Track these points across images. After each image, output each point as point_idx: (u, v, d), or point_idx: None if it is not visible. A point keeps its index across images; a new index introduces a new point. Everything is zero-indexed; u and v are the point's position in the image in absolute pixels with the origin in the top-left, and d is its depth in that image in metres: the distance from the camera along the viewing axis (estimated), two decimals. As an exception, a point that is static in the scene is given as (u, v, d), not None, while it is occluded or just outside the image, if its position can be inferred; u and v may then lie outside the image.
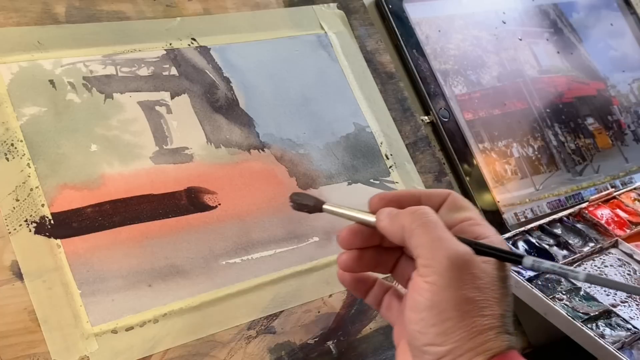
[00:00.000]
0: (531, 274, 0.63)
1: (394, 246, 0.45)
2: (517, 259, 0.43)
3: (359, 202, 0.62)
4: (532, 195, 0.75)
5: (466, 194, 0.70)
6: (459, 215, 0.46)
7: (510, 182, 0.74)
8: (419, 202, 0.46)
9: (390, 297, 0.47)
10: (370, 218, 0.45)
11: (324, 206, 0.47)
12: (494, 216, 0.70)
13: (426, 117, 0.72)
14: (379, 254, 0.46)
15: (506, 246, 0.44)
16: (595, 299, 0.63)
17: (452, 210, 0.46)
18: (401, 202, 0.46)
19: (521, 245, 0.67)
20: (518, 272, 0.63)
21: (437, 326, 0.40)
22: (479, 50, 0.81)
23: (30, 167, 0.50)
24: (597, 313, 0.61)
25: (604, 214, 0.74)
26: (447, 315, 0.40)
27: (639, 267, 0.69)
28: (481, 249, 0.43)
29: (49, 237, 0.49)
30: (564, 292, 0.63)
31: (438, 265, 0.40)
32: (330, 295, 0.57)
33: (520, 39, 0.85)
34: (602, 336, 0.58)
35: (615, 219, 0.73)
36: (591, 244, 0.69)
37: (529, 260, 0.42)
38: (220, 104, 0.60)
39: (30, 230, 0.48)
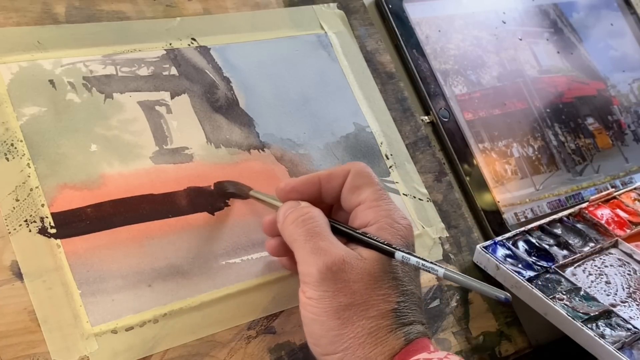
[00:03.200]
0: (531, 274, 0.63)
1: None
2: (389, 253, 0.44)
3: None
4: (532, 195, 0.75)
5: (466, 194, 0.70)
6: (356, 199, 0.47)
7: (510, 182, 0.74)
8: (319, 187, 0.48)
9: None
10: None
11: (251, 192, 0.53)
12: (494, 216, 0.70)
13: (426, 117, 0.72)
14: None
15: (390, 232, 0.44)
16: (595, 299, 0.63)
17: (351, 192, 0.47)
18: (302, 190, 0.48)
19: (521, 245, 0.67)
20: (518, 272, 0.63)
21: (324, 337, 0.42)
22: (479, 50, 0.81)
23: (30, 167, 0.50)
24: (597, 313, 0.61)
25: (604, 214, 0.74)
26: (329, 326, 0.41)
27: (639, 267, 0.69)
28: (358, 239, 0.45)
29: (49, 237, 0.49)
30: (564, 292, 0.63)
31: (311, 280, 0.42)
32: (330, 295, 0.57)
33: (520, 39, 0.85)
34: (602, 336, 0.58)
35: (615, 219, 0.73)
36: (591, 244, 0.69)
37: (399, 255, 0.43)
38: (220, 104, 0.60)
39: (30, 230, 0.48)
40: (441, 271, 0.42)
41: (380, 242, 0.44)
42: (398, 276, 0.43)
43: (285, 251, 0.49)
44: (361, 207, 0.46)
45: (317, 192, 0.49)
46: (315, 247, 0.43)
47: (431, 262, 0.43)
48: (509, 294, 0.41)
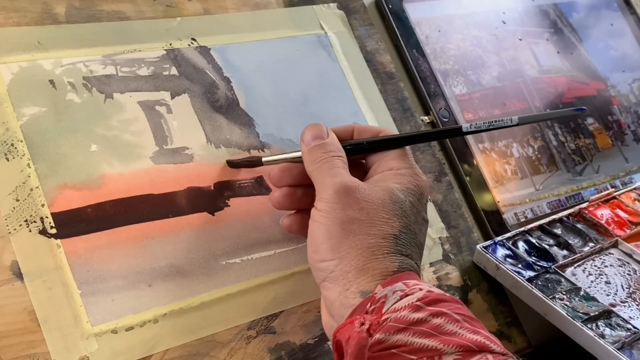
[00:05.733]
0: (531, 274, 0.63)
1: None
2: (458, 129, 0.50)
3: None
4: (532, 195, 0.75)
5: (466, 194, 0.70)
6: (382, 153, 0.51)
7: (510, 182, 0.74)
8: (351, 136, 0.52)
9: None
10: (298, 155, 0.51)
11: (263, 159, 0.54)
12: (494, 216, 0.70)
13: (426, 117, 0.72)
14: (309, 192, 0.50)
15: (408, 180, 0.49)
16: (595, 299, 0.63)
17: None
18: (337, 135, 0.51)
19: (521, 245, 0.67)
20: (518, 272, 0.63)
21: (325, 243, 0.45)
22: (479, 50, 0.81)
23: (30, 167, 0.50)
24: (597, 313, 0.61)
25: (604, 214, 0.74)
26: (333, 234, 0.44)
27: (639, 267, 0.69)
28: (409, 138, 0.52)
29: (49, 237, 0.49)
30: (564, 292, 0.63)
31: (325, 195, 0.46)
32: (330, 295, 0.57)
33: (520, 39, 0.85)
34: (602, 336, 0.59)
35: (615, 219, 0.73)
36: (591, 244, 0.69)
37: (465, 126, 0.49)
38: (221, 104, 0.60)
39: (30, 230, 0.48)
40: (515, 119, 0.48)
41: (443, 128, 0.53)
42: (405, 211, 0.47)
43: (290, 202, 0.52)
44: (386, 158, 0.50)
45: (348, 139, 0.53)
46: (336, 172, 0.47)
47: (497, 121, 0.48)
48: (583, 107, 0.47)
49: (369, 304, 0.42)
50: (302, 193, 0.52)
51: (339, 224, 0.44)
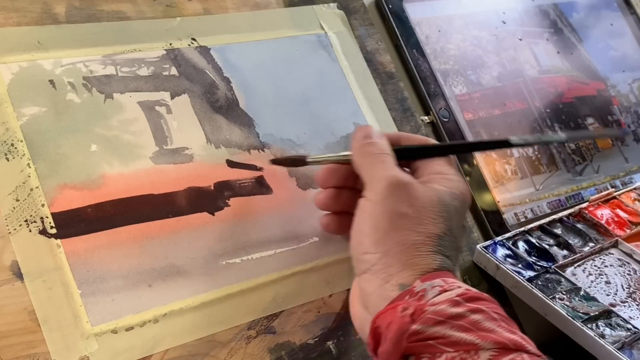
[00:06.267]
0: (531, 274, 0.63)
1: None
2: (505, 141, 0.50)
3: (359, 202, 0.62)
4: (532, 195, 0.75)
5: (479, 150, 0.71)
6: (427, 162, 0.51)
7: (510, 182, 0.74)
8: (399, 143, 0.51)
9: None
10: (344, 157, 0.50)
11: (308, 159, 0.53)
12: (494, 216, 0.70)
13: (426, 117, 0.72)
14: (354, 195, 0.50)
15: (450, 186, 0.49)
16: (595, 299, 0.63)
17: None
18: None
19: (521, 245, 0.67)
20: (518, 272, 0.63)
21: (371, 235, 0.44)
22: (479, 50, 0.81)
23: (30, 167, 0.50)
24: (597, 313, 0.61)
25: (604, 214, 0.74)
26: (380, 226, 0.44)
27: (639, 267, 0.69)
28: (464, 146, 0.54)
29: (49, 237, 0.49)
30: (564, 292, 0.63)
31: (377, 185, 0.45)
32: (330, 295, 0.57)
33: (520, 39, 0.85)
34: (602, 336, 0.59)
35: (615, 219, 0.73)
36: (591, 244, 0.69)
37: (514, 139, 0.50)
38: (221, 104, 0.60)
39: (30, 230, 0.48)
40: (563, 136, 0.48)
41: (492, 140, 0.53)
42: (450, 214, 0.47)
43: (335, 204, 0.52)
44: (432, 163, 0.50)
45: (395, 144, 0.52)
46: (388, 166, 0.47)
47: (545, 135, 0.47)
48: (626, 128, 0.48)
49: (407, 297, 0.42)
50: (347, 195, 0.52)
51: (388, 218, 0.44)
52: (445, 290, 0.42)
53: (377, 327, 0.42)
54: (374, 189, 0.46)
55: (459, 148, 0.54)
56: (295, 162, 0.56)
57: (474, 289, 0.44)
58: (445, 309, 0.41)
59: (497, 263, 0.63)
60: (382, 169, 0.47)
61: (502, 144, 0.54)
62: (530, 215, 0.73)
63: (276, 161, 0.57)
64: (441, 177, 0.49)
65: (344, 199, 0.52)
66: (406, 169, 0.52)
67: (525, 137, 0.49)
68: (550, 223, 0.71)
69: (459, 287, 0.43)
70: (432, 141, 0.53)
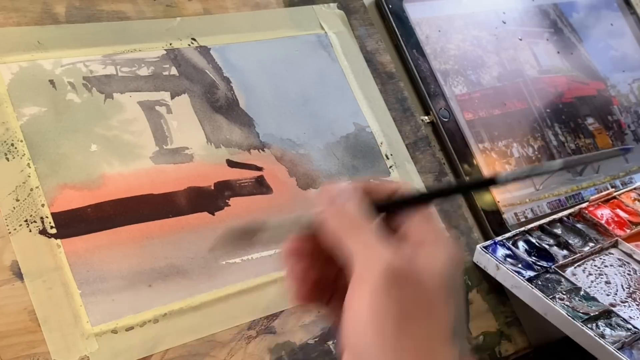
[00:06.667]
0: (531, 274, 0.63)
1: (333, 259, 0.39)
2: (491, 180, 0.39)
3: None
4: (532, 195, 0.75)
5: (466, 194, 0.70)
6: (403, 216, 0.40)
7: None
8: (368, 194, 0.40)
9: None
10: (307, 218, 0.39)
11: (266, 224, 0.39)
12: (494, 216, 0.70)
13: (426, 117, 0.72)
14: (322, 268, 0.40)
15: (441, 249, 0.39)
16: (595, 299, 0.63)
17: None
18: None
19: (521, 245, 0.67)
20: (518, 272, 0.63)
21: (376, 346, 0.36)
22: (479, 50, 0.81)
23: (30, 167, 0.50)
24: (597, 313, 0.61)
25: (604, 214, 0.74)
26: (387, 320, 0.36)
27: (639, 267, 0.69)
28: (440, 191, 0.41)
29: (49, 237, 0.49)
30: (564, 292, 0.63)
31: (372, 271, 0.36)
32: (330, 295, 0.57)
33: (520, 39, 0.85)
34: (602, 336, 0.58)
35: (615, 219, 0.73)
36: (591, 244, 0.69)
37: (502, 175, 0.39)
38: (221, 104, 0.60)
39: (30, 230, 0.48)
40: (558, 162, 0.39)
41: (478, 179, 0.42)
42: (455, 288, 0.39)
43: (313, 292, 0.41)
44: (412, 223, 0.40)
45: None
46: (377, 244, 0.37)
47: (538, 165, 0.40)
48: (628, 145, 0.40)
49: None
50: (316, 271, 0.41)
51: (396, 311, 0.36)
52: None
53: None
54: (369, 275, 0.36)
55: (443, 192, 0.44)
56: (247, 234, 0.41)
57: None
58: None
59: (497, 263, 0.63)
60: (370, 247, 0.37)
61: (488, 183, 0.42)
62: (530, 215, 0.73)
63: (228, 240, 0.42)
64: (433, 238, 0.39)
65: (320, 270, 0.41)
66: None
67: (515, 171, 0.39)
68: (550, 223, 0.71)
69: None
70: (403, 185, 0.44)
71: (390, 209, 0.40)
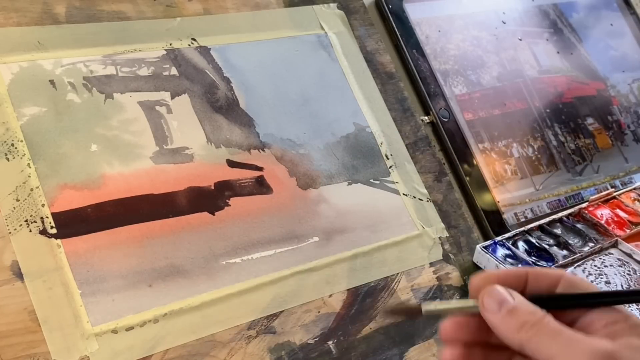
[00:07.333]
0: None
1: (505, 344, 0.38)
2: None
3: (358, 201, 0.62)
4: (532, 195, 0.75)
5: (466, 194, 0.70)
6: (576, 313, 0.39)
7: (510, 182, 0.74)
8: (524, 284, 0.41)
9: None
10: (473, 304, 0.39)
11: (423, 308, 0.41)
12: (494, 216, 0.70)
13: (426, 117, 0.72)
14: (487, 353, 0.40)
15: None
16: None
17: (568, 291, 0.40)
18: (505, 282, 0.40)
19: (521, 245, 0.67)
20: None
21: None
22: (479, 50, 0.81)
23: (30, 167, 0.50)
24: (597, 313, 0.61)
25: (604, 214, 0.74)
26: None
27: (638, 267, 0.69)
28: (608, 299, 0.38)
29: (49, 237, 0.49)
30: (563, 292, 0.63)
31: None
32: (330, 295, 0.57)
33: (520, 39, 0.85)
34: (602, 336, 0.58)
35: (615, 219, 0.73)
36: (591, 244, 0.70)
37: None
38: (221, 104, 0.60)
39: (30, 231, 0.48)
40: None
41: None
42: None
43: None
44: (602, 314, 0.39)
45: (520, 288, 0.41)
46: (571, 335, 0.36)
47: None
48: None
49: None
50: (477, 355, 0.40)
51: None
52: None
53: None
54: None
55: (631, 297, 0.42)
56: (410, 313, 0.45)
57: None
58: None
59: (497, 263, 0.63)
60: (571, 340, 0.36)
61: None
62: (530, 215, 0.73)
63: (392, 311, 0.50)
64: (625, 326, 0.38)
65: (484, 357, 0.40)
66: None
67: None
68: (550, 223, 0.71)
69: None
70: (566, 275, 0.40)
71: (561, 303, 0.39)
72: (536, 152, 0.78)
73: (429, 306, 0.40)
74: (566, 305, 0.39)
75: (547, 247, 0.68)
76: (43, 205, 0.50)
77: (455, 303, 0.42)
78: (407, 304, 0.47)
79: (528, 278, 0.40)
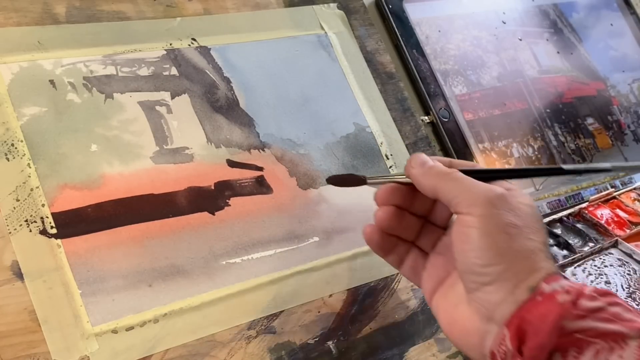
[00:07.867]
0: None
1: (421, 213, 0.50)
2: (558, 169, 0.50)
3: (358, 201, 0.62)
4: (532, 195, 0.75)
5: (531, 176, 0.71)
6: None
7: (510, 182, 0.74)
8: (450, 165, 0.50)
9: (415, 256, 0.50)
10: (406, 179, 0.49)
11: (368, 179, 0.51)
12: (494, 216, 0.70)
13: (426, 117, 0.72)
14: (408, 217, 0.50)
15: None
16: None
17: None
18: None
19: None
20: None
21: (491, 249, 0.43)
22: (479, 50, 0.81)
23: (30, 167, 0.50)
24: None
25: (604, 214, 0.74)
26: (497, 238, 0.43)
27: (638, 267, 0.69)
28: (522, 173, 0.54)
29: (50, 237, 0.49)
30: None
31: (475, 200, 0.44)
32: (330, 295, 0.57)
33: (520, 39, 0.85)
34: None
35: (615, 219, 0.74)
36: (591, 244, 0.70)
37: (568, 166, 0.49)
38: (221, 104, 0.60)
39: (30, 230, 0.48)
40: (607, 165, 0.49)
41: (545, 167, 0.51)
42: (540, 218, 0.47)
43: (391, 222, 0.50)
44: (498, 184, 0.48)
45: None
46: (474, 182, 0.45)
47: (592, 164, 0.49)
48: None
49: (539, 297, 0.42)
50: (402, 216, 0.50)
51: (503, 229, 0.44)
52: (574, 289, 0.42)
53: (519, 326, 0.41)
54: (473, 204, 0.45)
55: (516, 173, 0.55)
56: (353, 181, 0.52)
57: (597, 287, 0.44)
58: (584, 303, 0.41)
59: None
60: (470, 184, 0.46)
61: (556, 171, 0.56)
62: (530, 215, 0.73)
63: (331, 180, 0.54)
64: (513, 191, 0.48)
65: (399, 219, 0.50)
66: None
67: (577, 165, 0.49)
68: (550, 223, 0.71)
69: (584, 285, 0.43)
70: (478, 165, 0.52)
71: (471, 175, 0.48)
72: (536, 152, 0.78)
73: (374, 179, 0.51)
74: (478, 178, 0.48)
75: (547, 247, 0.68)
76: (43, 205, 0.50)
77: (397, 176, 0.50)
78: (354, 174, 0.53)
79: (452, 165, 0.50)
